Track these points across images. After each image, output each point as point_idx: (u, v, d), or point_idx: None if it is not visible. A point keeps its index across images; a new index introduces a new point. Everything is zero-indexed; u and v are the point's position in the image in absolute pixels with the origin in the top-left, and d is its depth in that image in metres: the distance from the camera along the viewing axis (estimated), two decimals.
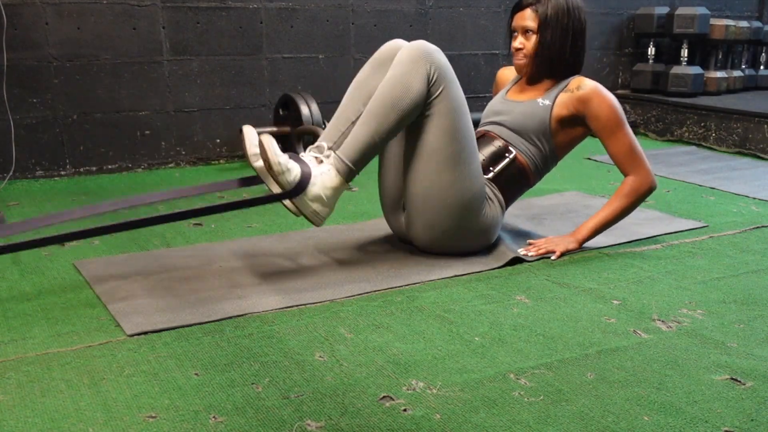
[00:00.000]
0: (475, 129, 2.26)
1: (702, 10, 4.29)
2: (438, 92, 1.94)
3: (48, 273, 2.01)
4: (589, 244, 2.19)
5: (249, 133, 1.92)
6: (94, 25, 3.17)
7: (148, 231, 2.40)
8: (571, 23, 2.13)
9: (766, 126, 3.69)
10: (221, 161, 3.52)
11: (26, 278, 1.97)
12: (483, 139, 2.19)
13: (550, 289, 1.89)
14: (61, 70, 3.14)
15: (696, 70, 4.34)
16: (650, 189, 2.14)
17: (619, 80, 4.64)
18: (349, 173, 1.91)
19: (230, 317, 1.71)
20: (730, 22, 4.42)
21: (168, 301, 1.79)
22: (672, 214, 2.58)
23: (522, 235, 2.28)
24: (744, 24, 4.51)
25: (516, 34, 2.18)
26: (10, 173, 3.07)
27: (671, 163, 3.52)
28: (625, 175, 2.15)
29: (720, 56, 4.60)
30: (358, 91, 2.04)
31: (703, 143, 4.01)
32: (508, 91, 2.31)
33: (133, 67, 3.28)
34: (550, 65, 2.16)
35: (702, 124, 4.03)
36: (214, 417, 1.29)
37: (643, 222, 2.46)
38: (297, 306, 1.78)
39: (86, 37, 3.17)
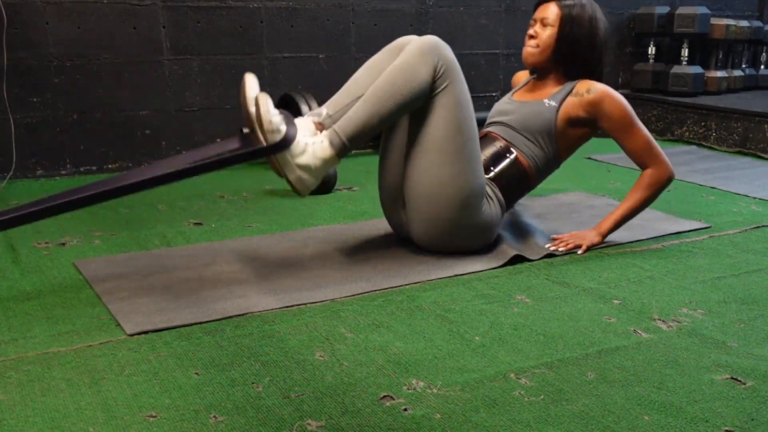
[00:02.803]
0: (480, 128, 2.26)
1: (702, 10, 4.29)
2: (444, 86, 1.95)
3: (48, 272, 2.01)
4: None
5: (250, 80, 1.88)
6: (94, 24, 3.17)
7: (149, 230, 2.40)
8: (591, 31, 2.15)
9: (766, 126, 3.69)
10: None
11: (26, 277, 1.97)
12: (485, 139, 2.20)
13: (550, 289, 1.89)
14: (61, 70, 3.14)
15: (696, 69, 4.34)
16: (669, 179, 2.18)
17: (620, 80, 4.64)
18: (342, 148, 1.90)
19: (230, 317, 1.71)
20: (731, 22, 4.42)
21: (168, 301, 1.79)
22: (672, 213, 2.58)
23: (525, 234, 2.27)
24: (744, 23, 4.51)
25: (534, 22, 2.19)
26: (11, 173, 3.07)
27: (671, 162, 3.50)
28: (644, 169, 2.17)
29: (720, 56, 4.60)
30: (369, 71, 2.05)
31: (704, 143, 4.01)
32: (515, 92, 2.32)
33: (133, 66, 3.28)
34: (558, 61, 2.17)
35: (702, 124, 4.03)
36: (214, 416, 1.29)
37: (643, 222, 2.45)
38: (297, 305, 1.78)
39: (86, 37, 3.17)
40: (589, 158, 3.60)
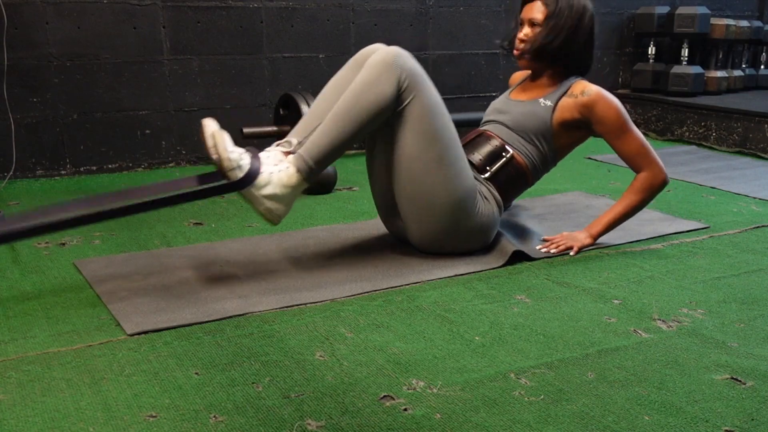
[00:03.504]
0: (477, 127, 2.26)
1: (702, 10, 4.29)
2: (410, 98, 1.93)
3: (48, 272, 2.01)
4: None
5: (207, 125, 1.85)
6: (94, 24, 3.17)
7: (149, 230, 2.40)
8: (579, 23, 2.14)
9: (766, 125, 3.69)
10: None
11: (26, 277, 1.97)
12: (480, 138, 2.19)
13: (550, 289, 1.89)
14: (61, 70, 3.14)
15: (696, 69, 4.34)
16: (663, 183, 2.16)
17: (620, 80, 4.64)
18: (310, 172, 1.88)
19: (231, 317, 1.71)
20: (731, 22, 4.42)
21: (168, 301, 1.79)
22: (672, 213, 2.58)
23: (524, 234, 2.28)
24: (744, 23, 4.51)
25: (522, 25, 2.18)
26: (11, 173, 3.07)
27: (671, 162, 3.52)
28: (638, 172, 2.16)
29: (720, 56, 4.60)
30: (333, 90, 2.02)
31: (704, 143, 4.01)
32: (511, 91, 2.32)
33: (133, 66, 3.28)
34: (551, 58, 2.16)
35: (702, 124, 4.03)
36: (214, 416, 1.29)
37: (643, 222, 2.45)
38: (297, 305, 1.78)
39: (87, 37, 3.17)
40: (589, 158, 3.60)
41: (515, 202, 2.62)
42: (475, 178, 2.10)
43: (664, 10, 4.43)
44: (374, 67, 1.92)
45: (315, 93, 3.40)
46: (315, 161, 1.88)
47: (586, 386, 1.40)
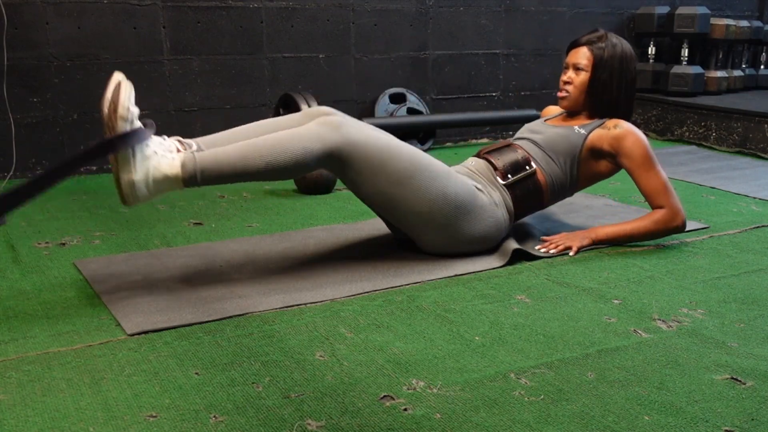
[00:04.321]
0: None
1: (702, 10, 4.29)
2: (352, 166, 1.90)
3: (48, 272, 2.01)
4: None
5: (116, 76, 1.73)
6: (94, 24, 3.17)
7: (149, 230, 2.40)
8: (623, 71, 2.19)
9: (766, 125, 3.69)
10: None
11: (26, 277, 1.97)
12: (507, 148, 2.22)
13: (550, 289, 1.89)
14: (61, 70, 3.14)
15: (696, 69, 4.34)
16: (679, 226, 2.17)
17: None
18: (191, 178, 1.75)
19: (231, 317, 1.71)
20: (731, 22, 4.42)
21: (168, 301, 1.79)
22: None
23: (524, 234, 2.27)
24: (744, 23, 4.51)
25: (567, 69, 2.24)
26: (11, 173, 3.07)
27: (671, 162, 3.52)
28: (656, 207, 2.17)
29: (720, 56, 4.60)
30: (266, 125, 1.99)
31: (704, 143, 4.01)
32: (548, 119, 2.37)
33: (133, 66, 3.28)
34: (593, 104, 2.22)
35: (702, 124, 4.03)
36: (214, 416, 1.29)
37: None
38: (297, 305, 1.78)
39: (87, 37, 3.17)
40: None
41: None
42: (493, 183, 2.12)
43: (664, 10, 4.43)
44: (314, 129, 1.86)
45: (315, 93, 3.41)
46: (202, 171, 1.76)
47: (586, 386, 1.40)
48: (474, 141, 4.16)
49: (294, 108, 3.24)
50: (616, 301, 1.81)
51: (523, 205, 2.18)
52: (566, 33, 4.32)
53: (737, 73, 4.66)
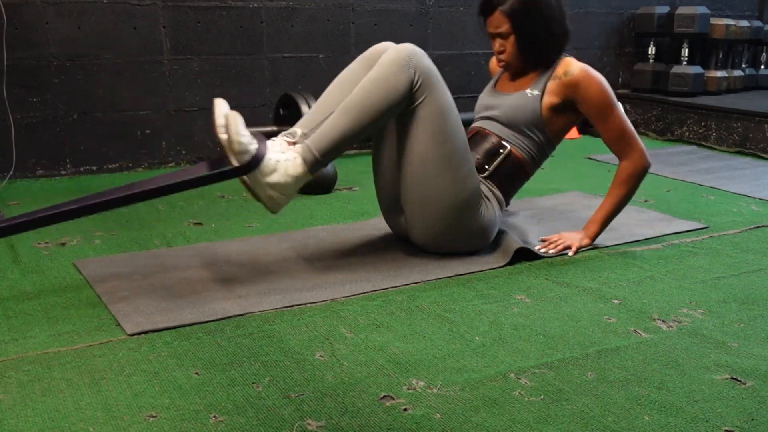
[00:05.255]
0: (468, 127, 2.25)
1: (702, 10, 4.29)
2: (423, 97, 1.92)
3: (48, 272, 2.01)
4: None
5: (219, 105, 1.84)
6: (94, 24, 3.17)
7: (149, 230, 2.40)
8: (542, 11, 2.09)
9: (766, 125, 3.69)
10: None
11: (27, 277, 1.97)
12: (477, 136, 2.18)
13: (550, 289, 1.89)
14: (61, 70, 3.14)
15: (696, 69, 4.34)
16: (645, 170, 2.13)
17: (620, 80, 4.64)
18: (315, 164, 1.86)
19: (231, 317, 1.71)
20: (731, 22, 4.42)
21: (168, 301, 1.79)
22: (672, 213, 2.58)
23: (524, 234, 2.27)
24: (744, 23, 4.51)
25: (493, 40, 2.15)
26: (11, 173, 3.07)
27: (671, 162, 3.52)
28: (620, 159, 2.14)
29: (720, 56, 4.60)
30: (341, 84, 2.01)
31: (704, 143, 4.01)
32: (497, 81, 2.30)
33: (133, 66, 3.28)
34: (534, 57, 2.14)
35: (702, 124, 4.03)
36: (214, 416, 1.29)
37: (643, 223, 2.46)
38: (297, 305, 1.78)
39: (87, 37, 3.17)
40: (589, 158, 3.61)
41: (515, 201, 2.62)
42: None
43: (664, 10, 4.43)
44: (388, 64, 1.90)
45: (315, 93, 3.40)
46: (321, 153, 1.86)
47: (586, 386, 1.40)
48: None
49: (294, 108, 3.24)
50: (616, 301, 1.81)
51: (509, 187, 2.17)
52: None
53: (737, 73, 4.65)
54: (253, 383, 1.40)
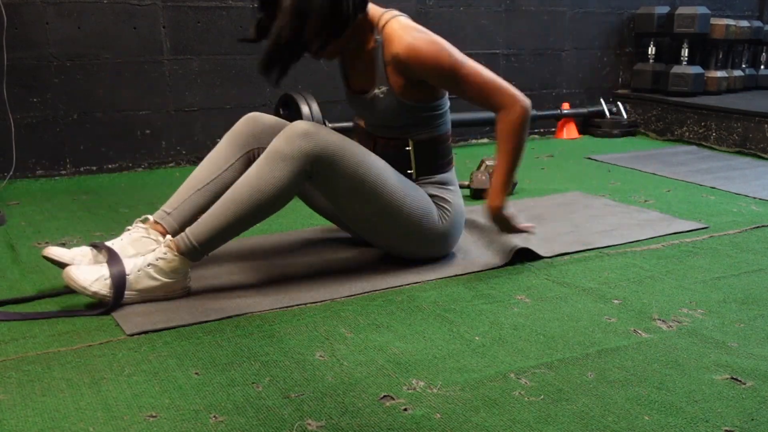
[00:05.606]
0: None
1: (702, 10, 4.29)
2: (327, 175, 1.82)
3: (48, 272, 2.01)
4: (590, 244, 2.20)
5: (65, 273, 1.73)
6: (94, 24, 3.17)
7: None
8: (299, 12, 1.77)
9: (766, 125, 3.69)
10: None
11: (26, 278, 1.97)
12: (377, 147, 2.03)
13: (550, 289, 1.89)
14: (61, 70, 3.14)
15: (696, 69, 4.34)
16: (525, 113, 1.89)
17: (620, 80, 4.64)
18: (194, 252, 1.77)
19: (230, 317, 1.71)
20: (731, 22, 4.42)
21: (168, 301, 1.78)
22: (672, 213, 2.58)
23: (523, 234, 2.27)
24: (744, 23, 4.51)
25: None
26: (11, 173, 3.07)
27: (671, 162, 3.52)
28: (494, 112, 1.91)
29: (720, 56, 4.60)
30: (209, 163, 1.97)
31: (704, 143, 4.01)
32: (347, 81, 2.09)
33: (133, 66, 3.28)
34: (330, 40, 1.86)
35: (702, 124, 4.03)
36: (214, 416, 1.29)
37: (643, 223, 2.46)
38: (297, 306, 1.78)
39: (87, 37, 3.17)
40: (589, 158, 3.61)
41: (514, 201, 2.62)
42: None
43: (664, 10, 4.43)
44: (277, 158, 1.77)
45: (315, 93, 3.41)
46: (200, 243, 1.77)
47: (586, 386, 1.40)
48: (474, 141, 4.17)
49: (294, 108, 3.24)
50: (616, 301, 1.81)
51: (440, 162, 2.03)
52: (566, 33, 4.33)
53: (737, 73, 4.65)
54: (253, 383, 1.40)
